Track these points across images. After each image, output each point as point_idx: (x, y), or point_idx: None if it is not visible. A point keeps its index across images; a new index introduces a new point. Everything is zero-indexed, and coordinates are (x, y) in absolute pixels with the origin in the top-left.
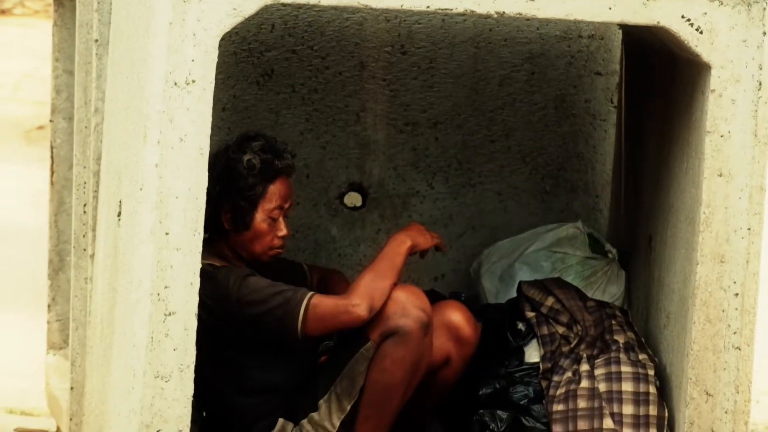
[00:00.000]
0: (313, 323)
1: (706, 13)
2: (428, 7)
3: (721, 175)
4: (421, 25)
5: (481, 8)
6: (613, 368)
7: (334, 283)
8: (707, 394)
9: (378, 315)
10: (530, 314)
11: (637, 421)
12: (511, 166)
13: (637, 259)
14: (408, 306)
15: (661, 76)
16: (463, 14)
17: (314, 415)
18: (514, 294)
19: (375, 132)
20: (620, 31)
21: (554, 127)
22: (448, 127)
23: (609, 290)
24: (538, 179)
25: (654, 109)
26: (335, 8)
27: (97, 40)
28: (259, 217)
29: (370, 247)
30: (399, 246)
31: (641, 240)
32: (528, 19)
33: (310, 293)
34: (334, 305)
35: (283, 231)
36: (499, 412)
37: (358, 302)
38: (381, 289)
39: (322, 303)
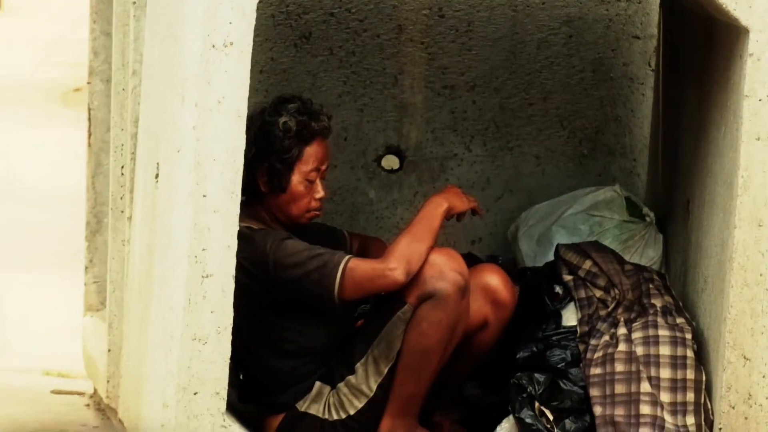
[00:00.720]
0: (349, 287)
1: None
2: None
3: (759, 139)
4: None
5: None
6: (651, 332)
7: (374, 250)
8: (745, 358)
9: (415, 278)
10: (567, 277)
11: (675, 384)
12: (548, 129)
13: (674, 223)
14: (445, 269)
15: (698, 40)
16: None
17: (351, 378)
18: (551, 257)
19: (413, 95)
20: None
21: (592, 90)
22: (485, 90)
23: (646, 254)
24: (575, 142)
25: (692, 72)
26: None
27: (134, 2)
28: (296, 179)
29: (407, 209)
30: (436, 209)
31: (679, 204)
32: None
33: (347, 257)
34: (371, 269)
35: (320, 193)
36: (536, 375)
37: (395, 266)
38: (418, 253)
39: (359, 267)
